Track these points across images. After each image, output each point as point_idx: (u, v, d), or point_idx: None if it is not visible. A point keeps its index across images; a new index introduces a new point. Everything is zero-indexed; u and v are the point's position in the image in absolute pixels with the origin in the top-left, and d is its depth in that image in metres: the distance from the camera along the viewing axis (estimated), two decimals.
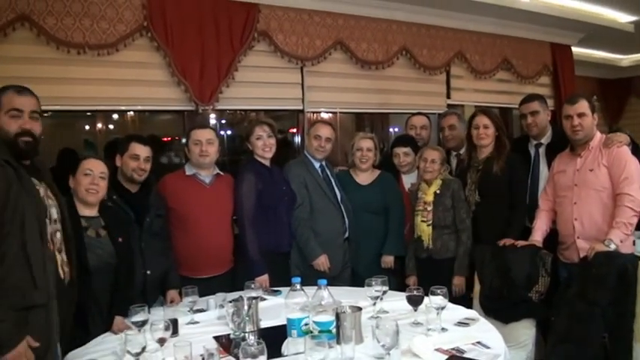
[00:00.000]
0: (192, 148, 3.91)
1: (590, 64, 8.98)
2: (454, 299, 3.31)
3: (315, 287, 2.79)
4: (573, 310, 3.29)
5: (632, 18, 7.25)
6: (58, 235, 2.74)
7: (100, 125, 7.79)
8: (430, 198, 4.18)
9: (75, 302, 2.82)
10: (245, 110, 6.43)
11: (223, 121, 6.84)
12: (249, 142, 4.13)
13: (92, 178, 3.16)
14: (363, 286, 3.23)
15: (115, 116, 6.80)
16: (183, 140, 5.13)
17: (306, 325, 2.61)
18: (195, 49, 4.86)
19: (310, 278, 3.11)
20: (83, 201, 3.14)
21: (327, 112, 5.87)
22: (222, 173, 4.05)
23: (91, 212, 3.18)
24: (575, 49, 7.97)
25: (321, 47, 5.59)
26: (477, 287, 3.92)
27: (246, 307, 2.76)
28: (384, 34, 6.03)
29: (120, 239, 3.20)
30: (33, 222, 2.49)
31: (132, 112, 6.81)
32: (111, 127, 7.62)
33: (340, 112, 6.01)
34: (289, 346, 2.54)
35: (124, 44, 4.62)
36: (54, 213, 2.73)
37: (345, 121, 6.62)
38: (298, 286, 2.82)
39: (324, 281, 2.80)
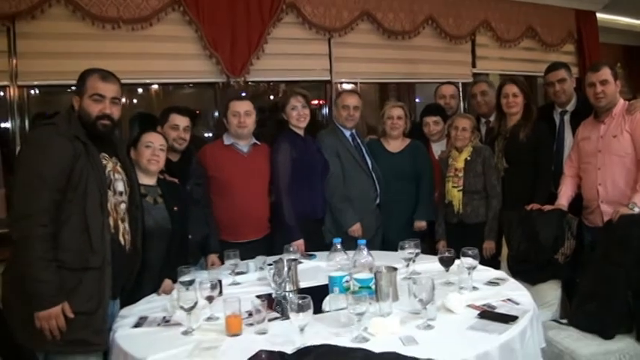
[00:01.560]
0: (230, 120, 4.06)
1: (614, 30, 8.89)
2: (483, 262, 3.42)
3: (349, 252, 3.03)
4: (598, 271, 3.42)
5: None
6: (123, 206, 2.97)
7: (123, 99, 7.94)
8: (461, 164, 4.32)
9: (137, 268, 3.07)
10: (270, 82, 6.56)
11: (243, 94, 6.98)
12: (284, 112, 4.27)
13: (153, 150, 3.37)
14: (393, 251, 3.42)
15: (140, 90, 6.94)
16: (216, 114, 5.33)
17: (346, 282, 2.80)
18: (225, 22, 5.02)
19: (343, 243, 3.25)
20: (145, 170, 3.35)
21: (348, 83, 5.97)
22: (258, 143, 4.20)
23: (150, 181, 3.40)
24: (599, 16, 7.94)
25: (348, 18, 5.71)
26: (505, 251, 4.07)
27: (286, 269, 2.94)
28: (410, 4, 6.12)
29: (175, 208, 3.41)
30: (95, 192, 2.74)
31: (156, 86, 6.99)
32: (135, 100, 7.80)
33: (362, 83, 6.10)
34: (331, 302, 2.72)
35: (157, 19, 4.81)
36: (119, 186, 2.96)
37: (368, 93, 6.70)
38: (339, 246, 3.03)
39: (364, 241, 3.00)
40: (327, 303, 2.73)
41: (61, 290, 2.63)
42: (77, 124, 2.80)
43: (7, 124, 4.64)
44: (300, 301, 2.28)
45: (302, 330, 2.30)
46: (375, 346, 2.24)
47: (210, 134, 6.44)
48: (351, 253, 3.07)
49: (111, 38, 4.66)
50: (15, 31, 4.41)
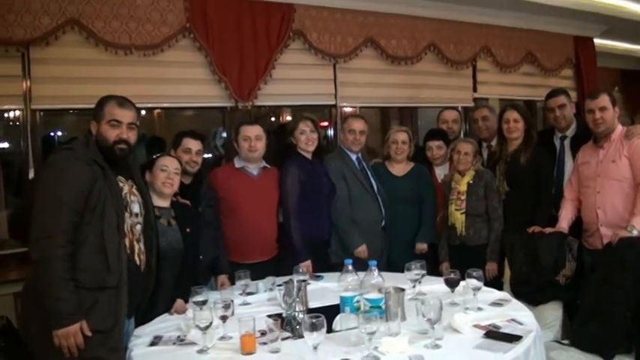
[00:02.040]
0: (241, 144, 4.14)
1: (612, 55, 8.99)
2: (486, 284, 3.44)
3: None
4: (598, 293, 3.47)
5: None
6: (138, 227, 3.04)
7: None
8: (464, 188, 4.39)
9: (151, 288, 3.14)
10: (277, 106, 6.65)
11: None
12: (292, 137, 4.35)
13: (168, 174, 3.46)
14: (397, 272, 3.51)
15: (143, 112, 7.03)
16: (224, 134, 5.40)
17: (357, 302, 2.88)
18: (234, 49, 5.11)
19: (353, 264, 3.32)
20: (159, 193, 3.44)
21: (352, 107, 6.05)
22: (268, 166, 4.28)
23: (164, 203, 3.48)
24: (597, 41, 8.05)
25: (352, 44, 5.81)
26: (507, 273, 4.13)
27: (296, 289, 3.00)
28: (413, 31, 6.22)
29: (188, 229, 3.49)
30: (112, 214, 2.82)
31: (159, 110, 7.09)
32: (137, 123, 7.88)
33: (364, 107, 6.15)
34: (342, 321, 2.79)
35: (168, 45, 4.88)
36: (135, 208, 3.04)
37: (369, 116, 6.77)
38: (350, 267, 3.11)
39: (375, 262, 3.08)
40: (337, 322, 2.79)
41: (80, 309, 2.70)
42: (95, 149, 2.89)
43: (5, 144, 4.69)
44: (314, 320, 2.34)
45: (315, 348, 2.37)
46: None
47: (210, 155, 6.55)
48: (361, 274, 3.14)
49: (123, 64, 4.73)
50: (29, 57, 4.47)
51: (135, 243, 3.00)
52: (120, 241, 2.84)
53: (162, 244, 3.27)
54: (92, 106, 3.02)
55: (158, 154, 3.66)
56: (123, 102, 2.99)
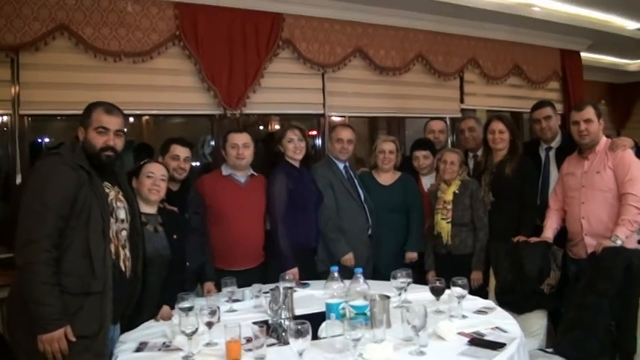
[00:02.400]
0: (229, 151, 4.14)
1: (598, 69, 9.09)
2: (471, 292, 3.46)
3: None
4: (582, 301, 3.50)
5: (639, 25, 7.37)
6: (124, 233, 3.03)
7: None
8: (450, 197, 4.42)
9: (136, 294, 3.12)
10: (265, 114, 6.66)
11: None
12: (280, 145, 4.35)
13: (154, 180, 3.45)
14: (383, 280, 3.52)
15: (131, 119, 7.02)
16: (212, 142, 5.41)
17: (342, 309, 2.88)
18: (223, 57, 5.13)
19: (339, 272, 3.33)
20: (146, 199, 3.42)
21: (340, 117, 6.07)
22: (256, 174, 4.28)
23: (151, 210, 3.47)
24: (583, 55, 8.13)
25: (341, 54, 5.84)
26: (493, 281, 4.14)
27: (282, 296, 2.99)
28: (401, 42, 6.26)
29: (175, 236, 3.48)
30: (98, 220, 2.81)
31: (147, 117, 7.08)
32: (125, 129, 7.88)
33: (352, 117, 6.17)
34: (327, 328, 2.78)
35: (158, 52, 4.90)
36: (121, 214, 3.02)
37: (357, 125, 6.78)
38: (336, 274, 3.12)
39: (360, 269, 3.09)
40: (323, 329, 2.79)
41: (64, 314, 2.68)
42: (81, 154, 2.87)
43: None
44: (299, 327, 2.34)
45: (301, 355, 2.37)
46: None
47: (198, 162, 6.54)
48: (347, 281, 3.14)
49: (112, 70, 4.73)
50: (19, 62, 4.47)
51: (120, 249, 2.99)
52: (105, 247, 2.82)
53: (148, 250, 3.24)
54: (80, 112, 3.01)
55: (145, 161, 3.64)
56: (110, 109, 2.98)
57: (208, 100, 5.15)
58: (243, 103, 5.22)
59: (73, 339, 2.68)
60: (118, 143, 2.98)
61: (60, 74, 4.61)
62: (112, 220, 2.93)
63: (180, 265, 3.53)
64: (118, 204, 3.02)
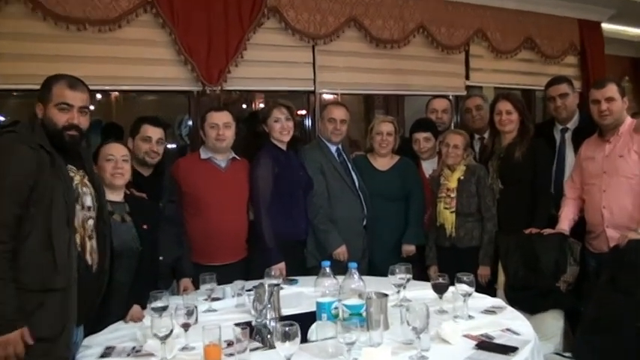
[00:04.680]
0: (208, 132, 4.11)
1: (622, 41, 8.96)
2: (479, 289, 3.44)
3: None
4: (604, 300, 3.47)
5: None
6: (90, 222, 2.97)
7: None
8: (454, 184, 4.40)
9: (102, 291, 3.06)
10: (249, 91, 6.61)
11: None
12: (265, 125, 4.33)
13: (115, 163, 3.39)
14: (379, 276, 3.52)
15: (99, 96, 6.95)
16: (189, 123, 5.36)
17: (335, 309, 2.86)
18: (202, 26, 5.04)
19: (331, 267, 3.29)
20: (110, 185, 3.36)
21: (333, 94, 6.03)
22: (238, 157, 4.26)
23: (116, 197, 3.42)
24: (605, 26, 8.02)
25: (333, 24, 5.75)
26: (502, 278, 4.13)
27: (267, 294, 2.97)
28: (401, 11, 6.17)
29: (145, 226, 3.44)
30: (61, 207, 2.74)
31: (116, 92, 7.02)
32: (91, 107, 7.85)
33: (345, 94, 6.13)
34: (318, 330, 2.75)
35: (127, 20, 4.80)
36: (87, 200, 2.97)
37: (352, 104, 6.73)
38: (328, 270, 3.08)
39: (355, 264, 3.05)
40: (313, 331, 2.76)
41: (21, 313, 2.61)
42: (41, 133, 2.80)
43: None
44: (287, 329, 2.30)
45: None
46: None
47: (174, 145, 6.49)
48: (340, 278, 3.11)
49: (76, 40, 4.64)
50: None
51: (86, 240, 2.93)
52: (70, 238, 2.77)
53: (115, 242, 3.19)
54: (39, 87, 2.94)
55: (100, 143, 3.59)
56: (74, 83, 2.92)
57: (185, 74, 5.08)
58: (224, 78, 5.15)
59: (31, 342, 2.62)
60: (83, 122, 2.92)
61: (15, 44, 4.50)
62: (78, 208, 2.88)
63: (152, 259, 3.49)
64: (84, 189, 2.96)
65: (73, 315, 2.77)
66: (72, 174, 2.90)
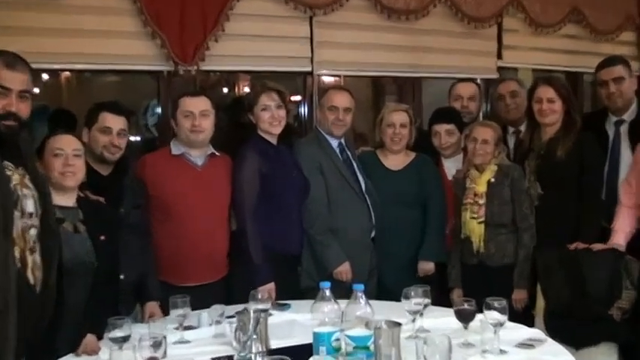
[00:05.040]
0: (181, 122, 4.10)
1: None
2: (513, 317, 3.45)
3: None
4: None
5: None
6: (32, 232, 2.94)
7: None
8: (482, 188, 4.39)
9: (48, 315, 3.03)
10: (231, 72, 6.61)
11: None
12: (251, 114, 4.33)
13: (65, 159, 3.37)
14: (392, 300, 3.52)
15: (45, 76, 6.93)
16: (158, 110, 5.36)
17: (336, 340, 2.84)
18: None
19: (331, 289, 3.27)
20: (58, 187, 3.35)
21: (334, 76, 6.03)
22: (217, 153, 4.26)
23: (67, 202, 3.40)
24: None
25: None
26: (541, 303, 4.13)
27: (253, 322, 2.96)
28: None
29: (102, 237, 3.42)
30: None
31: (67, 72, 7.04)
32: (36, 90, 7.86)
33: (349, 76, 6.15)
34: None
35: None
36: (29, 205, 2.93)
37: (359, 89, 6.74)
38: (328, 293, 3.07)
39: (361, 286, 3.04)
40: None
41: None
42: None
43: None
44: None
45: None
46: None
47: (139, 137, 6.48)
48: (343, 302, 3.10)
49: (15, 7, 4.63)
50: None
51: (28, 254, 2.91)
52: (7, 251, 2.75)
53: (66, 256, 3.17)
54: None
55: (47, 135, 3.57)
56: (13, 61, 2.90)
57: (153, 51, 5.07)
58: (200, 56, 5.14)
59: None
60: (23, 109, 2.90)
61: None
62: (17, 214, 2.86)
63: (111, 278, 3.49)
64: (24, 191, 2.94)
65: (10, 344, 2.76)
66: (9, 172, 2.87)
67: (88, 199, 3.53)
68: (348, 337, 2.77)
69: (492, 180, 4.41)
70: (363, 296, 3.05)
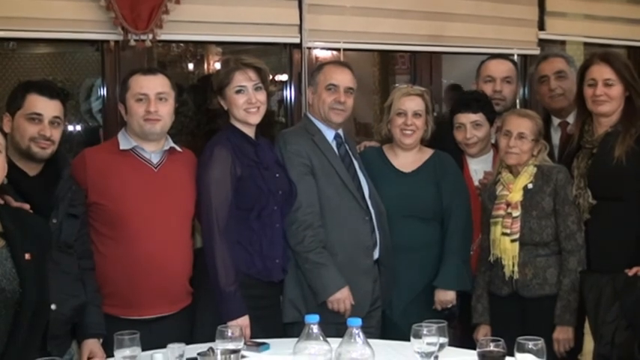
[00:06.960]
0: (131, 107, 4.09)
1: None
2: None
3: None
4: None
5: None
6: None
7: None
8: (517, 197, 4.40)
9: None
10: (197, 42, 6.62)
11: None
12: (222, 97, 4.32)
13: None
14: (400, 340, 3.53)
15: None
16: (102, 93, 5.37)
17: None
18: None
19: (320, 324, 3.24)
20: None
21: (329, 49, 6.04)
22: (178, 148, 4.26)
23: None
24: None
25: None
26: (590, 345, 4.14)
27: None
28: None
29: (27, 256, 3.39)
30: None
31: None
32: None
33: (349, 50, 6.20)
34: None
35: None
36: None
37: (360, 68, 6.75)
38: (315, 329, 3.08)
39: (358, 321, 3.04)
40: None
41: None
42: None
43: None
44: None
45: None
46: None
47: (79, 127, 6.49)
48: (335, 341, 3.10)
49: None
50: None
51: None
52: None
53: None
54: None
55: None
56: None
57: (96, 15, 5.11)
58: (158, 22, 5.17)
59: None
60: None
61: None
62: None
63: (38, 308, 3.45)
64: None
65: None
66: None
67: (8, 207, 3.52)
68: None
69: (530, 186, 4.43)
70: (361, 334, 3.02)
